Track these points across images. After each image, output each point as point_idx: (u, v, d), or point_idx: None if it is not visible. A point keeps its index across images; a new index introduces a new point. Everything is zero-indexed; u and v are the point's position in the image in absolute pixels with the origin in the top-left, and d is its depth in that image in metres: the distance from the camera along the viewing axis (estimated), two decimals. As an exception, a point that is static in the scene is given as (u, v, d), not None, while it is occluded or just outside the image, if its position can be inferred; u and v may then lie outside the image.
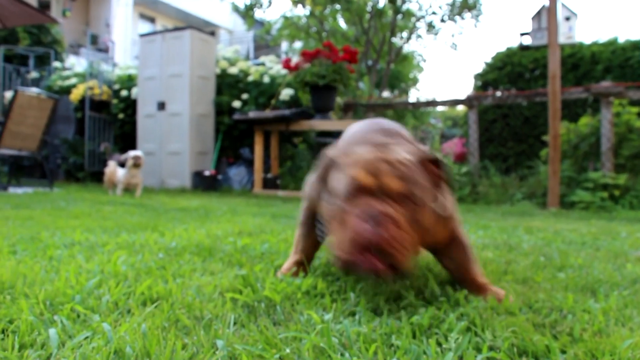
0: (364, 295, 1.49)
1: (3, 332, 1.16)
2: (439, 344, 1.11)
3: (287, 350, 1.03)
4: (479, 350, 1.09)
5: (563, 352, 1.10)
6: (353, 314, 1.34)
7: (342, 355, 1.03)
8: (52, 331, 1.11)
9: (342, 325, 1.17)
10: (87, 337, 1.12)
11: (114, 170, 6.73)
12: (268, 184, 7.88)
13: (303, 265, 1.80)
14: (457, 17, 12.51)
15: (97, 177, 9.50)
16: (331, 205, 1.44)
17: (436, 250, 1.69)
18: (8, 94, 10.56)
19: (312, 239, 1.81)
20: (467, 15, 12.49)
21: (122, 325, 1.17)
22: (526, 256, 2.46)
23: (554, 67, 6.32)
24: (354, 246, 1.29)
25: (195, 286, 1.54)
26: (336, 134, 8.40)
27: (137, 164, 6.41)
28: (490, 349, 1.10)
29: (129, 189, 6.77)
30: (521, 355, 1.07)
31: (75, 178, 9.75)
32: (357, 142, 1.60)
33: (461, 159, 9.88)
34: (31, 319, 1.19)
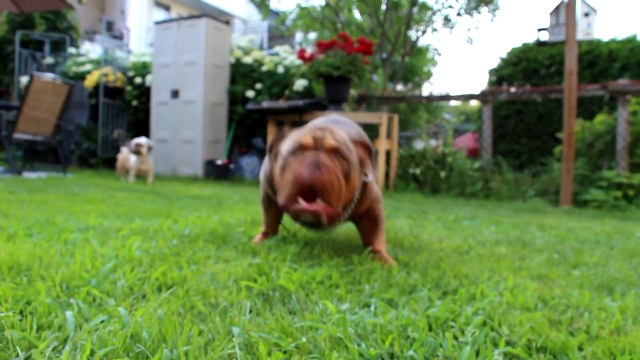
0: (379, 286, 1.48)
1: (21, 313, 1.16)
2: (455, 338, 1.11)
3: (304, 340, 1.02)
4: (495, 345, 1.08)
5: (580, 349, 1.09)
6: (368, 305, 1.33)
7: (358, 345, 1.03)
8: (68, 314, 1.11)
9: (357, 316, 1.17)
10: (103, 321, 1.12)
11: (127, 157, 6.76)
12: (280, 174, 7.89)
13: (269, 234, 2.30)
14: (474, 11, 12.41)
15: (109, 163, 9.54)
16: (278, 163, 1.80)
17: (357, 219, 2.09)
18: (24, 79, 10.63)
19: (272, 212, 2.26)
20: (484, 9, 12.38)
21: (138, 310, 1.17)
22: (540, 253, 2.44)
23: (571, 63, 6.25)
24: (295, 187, 1.64)
25: (210, 273, 1.54)
26: (349, 126, 8.37)
27: (136, 151, 6.40)
28: (507, 344, 1.09)
29: (140, 176, 6.80)
30: (538, 351, 1.06)
31: (88, 164, 9.81)
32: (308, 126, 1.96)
33: (474, 154, 9.83)
34: (48, 301, 1.19)
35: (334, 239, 2.42)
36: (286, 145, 1.79)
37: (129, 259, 1.70)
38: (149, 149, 6.51)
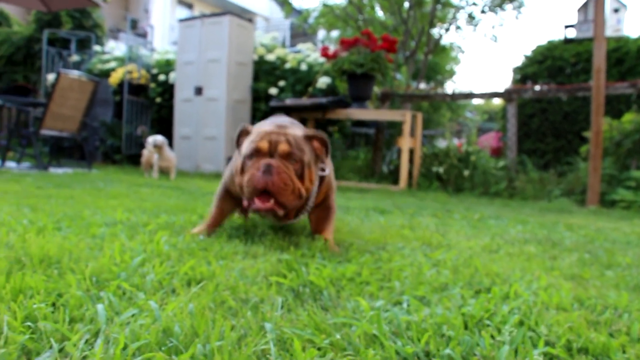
0: (410, 283, 1.46)
1: (53, 305, 1.16)
2: (492, 337, 1.08)
3: (337, 336, 1.01)
4: (534, 344, 1.05)
5: (622, 351, 1.05)
6: (399, 302, 1.31)
7: (393, 343, 1.00)
8: (100, 307, 1.11)
9: (391, 313, 1.15)
10: (134, 315, 1.12)
11: (152, 153, 6.81)
12: (302, 172, 7.85)
13: (214, 227, 2.27)
14: (498, 9, 12.25)
15: (133, 159, 9.62)
16: (239, 163, 2.00)
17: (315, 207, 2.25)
18: (50, 77, 10.76)
19: (224, 208, 2.31)
20: (509, 6, 12.21)
21: (169, 304, 1.16)
22: (570, 253, 2.40)
23: (599, 61, 6.14)
24: (250, 188, 1.87)
25: (239, 269, 1.53)
26: (372, 124, 8.33)
27: (155, 146, 6.50)
28: (546, 344, 1.06)
29: (163, 172, 6.86)
30: (579, 352, 1.03)
31: (112, 160, 9.90)
32: (265, 124, 2.14)
33: (497, 153, 9.73)
34: (79, 294, 1.19)
35: (361, 236, 2.39)
36: (245, 146, 1.99)
37: (157, 253, 1.70)
38: (162, 146, 6.57)
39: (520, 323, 1.16)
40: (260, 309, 1.16)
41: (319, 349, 0.98)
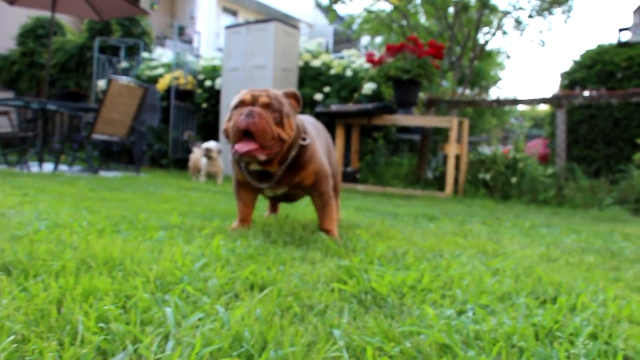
0: (474, 291, 1.44)
1: (123, 307, 1.19)
2: (565, 349, 1.05)
3: (407, 344, 1.00)
4: (612, 359, 1.02)
5: None
6: (463, 311, 1.29)
7: (465, 352, 0.99)
8: (168, 310, 1.12)
9: (458, 322, 1.13)
10: (200, 319, 1.13)
11: (199, 158, 6.92)
12: (348, 177, 7.86)
13: (245, 222, 2.58)
14: (546, 13, 12.00)
15: (179, 164, 9.79)
16: (226, 115, 2.26)
17: (309, 192, 2.50)
18: (101, 83, 11.06)
19: (244, 202, 2.59)
20: (557, 10, 11.95)
21: (235, 309, 1.17)
22: (632, 264, 2.32)
23: (655, 65, 5.95)
24: (234, 131, 2.14)
25: (298, 274, 1.54)
26: (417, 130, 8.27)
27: (207, 156, 6.59)
28: (625, 359, 1.02)
29: (210, 176, 6.96)
30: (660, 368, 0.99)
31: (159, 164, 10.09)
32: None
33: (544, 160, 9.52)
34: (146, 296, 1.21)
35: (415, 243, 2.37)
36: (232, 102, 2.26)
37: (217, 257, 1.72)
38: (219, 152, 6.68)
39: (593, 336, 1.13)
40: (326, 316, 1.16)
41: (390, 357, 0.97)
